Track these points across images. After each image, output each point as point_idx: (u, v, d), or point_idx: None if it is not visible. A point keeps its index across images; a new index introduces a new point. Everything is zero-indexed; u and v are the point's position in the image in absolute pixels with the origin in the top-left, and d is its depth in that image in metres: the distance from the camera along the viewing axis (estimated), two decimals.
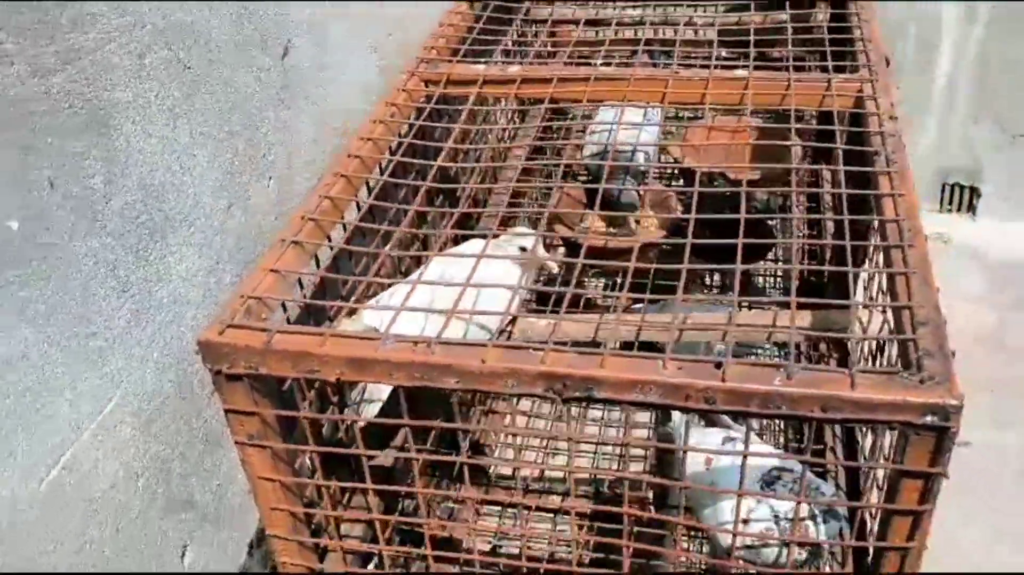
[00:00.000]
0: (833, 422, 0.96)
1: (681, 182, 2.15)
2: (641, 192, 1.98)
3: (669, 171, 2.33)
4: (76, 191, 0.98)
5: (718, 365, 0.96)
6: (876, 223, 1.20)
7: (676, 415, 1.64)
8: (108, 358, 1.06)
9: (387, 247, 1.21)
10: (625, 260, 1.88)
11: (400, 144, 1.48)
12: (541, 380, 0.99)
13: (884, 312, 1.16)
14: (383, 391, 1.34)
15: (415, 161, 1.42)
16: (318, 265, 1.26)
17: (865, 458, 1.35)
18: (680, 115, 2.47)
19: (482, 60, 1.61)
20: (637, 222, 1.94)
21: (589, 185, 2.04)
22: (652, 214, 2.04)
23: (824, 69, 1.50)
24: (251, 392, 1.10)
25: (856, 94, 1.43)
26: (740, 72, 1.50)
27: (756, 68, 1.52)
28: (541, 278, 1.81)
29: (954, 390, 0.91)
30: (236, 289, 1.13)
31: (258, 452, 1.16)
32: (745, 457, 1.02)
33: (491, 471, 2.08)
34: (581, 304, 1.79)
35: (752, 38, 1.63)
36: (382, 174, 1.42)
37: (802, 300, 1.08)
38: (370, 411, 1.37)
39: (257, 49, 1.33)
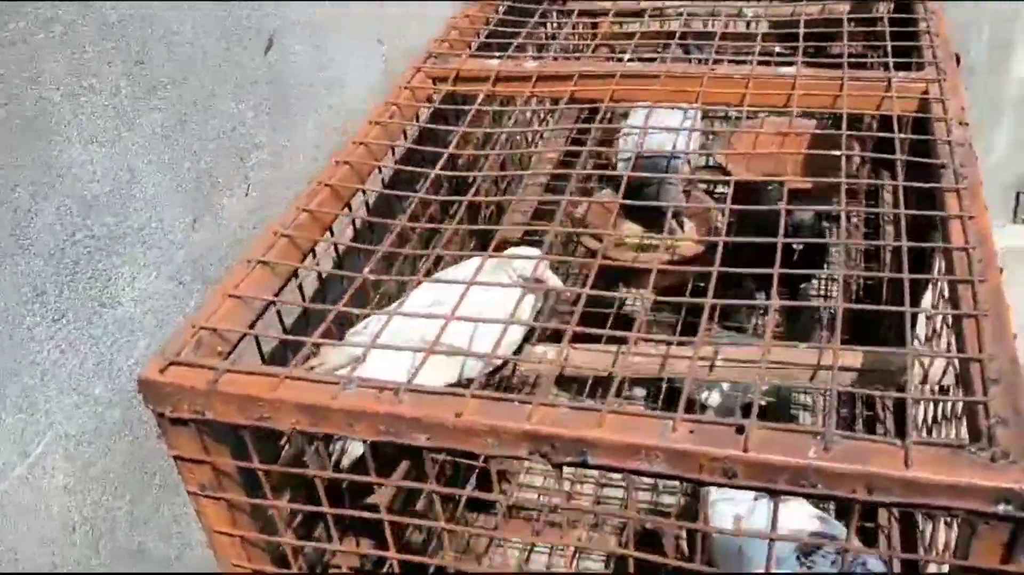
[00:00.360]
0: (881, 506, 0.78)
1: (726, 190, 1.95)
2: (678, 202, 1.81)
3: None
4: None
5: (740, 429, 0.79)
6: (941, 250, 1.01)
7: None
8: (34, 397, 0.91)
9: (366, 270, 1.05)
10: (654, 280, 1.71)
11: (401, 147, 1.34)
12: (526, 441, 0.83)
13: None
14: (357, 448, 1.19)
15: (414, 169, 1.27)
16: (301, 292, 1.11)
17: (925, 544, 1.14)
18: (729, 114, 2.29)
19: (496, 55, 1.45)
20: (672, 232, 1.76)
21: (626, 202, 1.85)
22: (691, 226, 1.86)
23: (885, 67, 1.31)
24: (199, 437, 0.96)
25: (920, 96, 1.24)
26: (786, 70, 1.31)
27: (807, 65, 1.33)
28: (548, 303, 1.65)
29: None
30: (187, 318, 0.98)
31: (212, 503, 1.02)
32: (772, 540, 0.84)
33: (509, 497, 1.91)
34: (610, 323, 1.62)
35: (803, 31, 1.45)
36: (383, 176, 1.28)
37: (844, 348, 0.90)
38: (355, 450, 1.22)
39: (234, 42, 1.18)
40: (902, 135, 1.14)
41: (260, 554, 1.08)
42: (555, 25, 1.74)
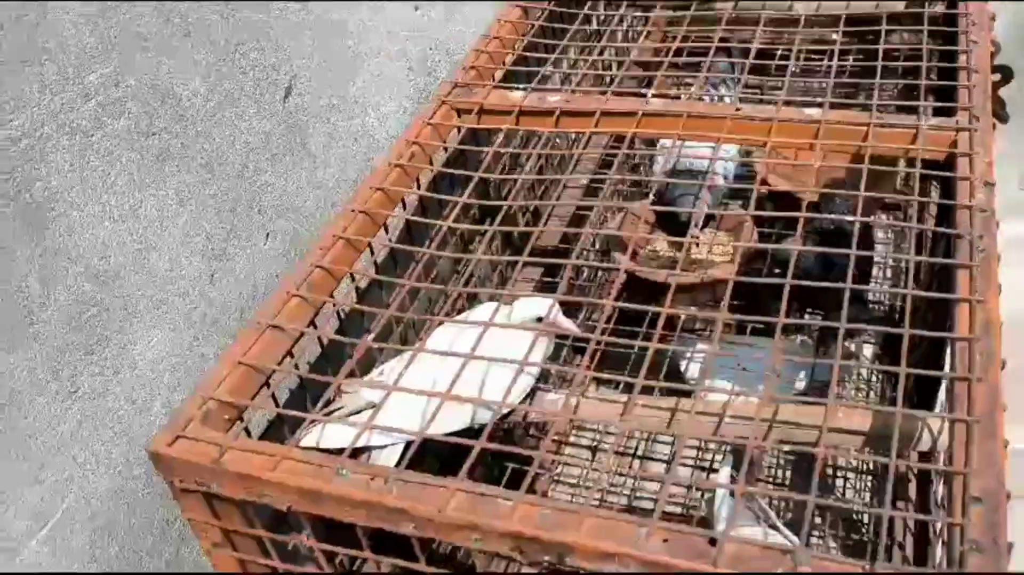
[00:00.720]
0: None
1: (768, 206, 1.91)
2: (711, 211, 1.79)
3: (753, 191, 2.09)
4: (1, 300, 0.88)
5: (712, 542, 0.80)
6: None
7: (719, 491, 1.47)
8: (52, 467, 0.97)
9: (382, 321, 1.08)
10: (686, 296, 1.69)
11: (417, 194, 1.35)
12: (507, 538, 0.85)
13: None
14: (390, 461, 1.22)
15: (441, 196, 1.28)
16: (321, 342, 1.14)
17: None
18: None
19: (520, 87, 1.44)
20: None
21: (659, 207, 1.84)
22: (726, 240, 1.84)
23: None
24: (209, 503, 1.00)
25: (948, 149, 1.20)
26: (811, 112, 1.28)
27: (834, 105, 1.29)
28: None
29: None
30: (196, 387, 1.02)
31: (225, 558, 1.07)
32: None
33: None
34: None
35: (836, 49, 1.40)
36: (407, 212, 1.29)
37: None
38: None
39: (247, 95, 1.20)
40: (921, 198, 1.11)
41: None
42: (587, 51, 1.70)
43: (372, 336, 1.08)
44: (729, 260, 1.79)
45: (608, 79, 1.57)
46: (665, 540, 0.81)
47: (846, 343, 1.87)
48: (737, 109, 1.31)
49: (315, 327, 1.15)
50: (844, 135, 1.24)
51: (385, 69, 1.52)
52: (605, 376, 1.51)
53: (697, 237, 1.79)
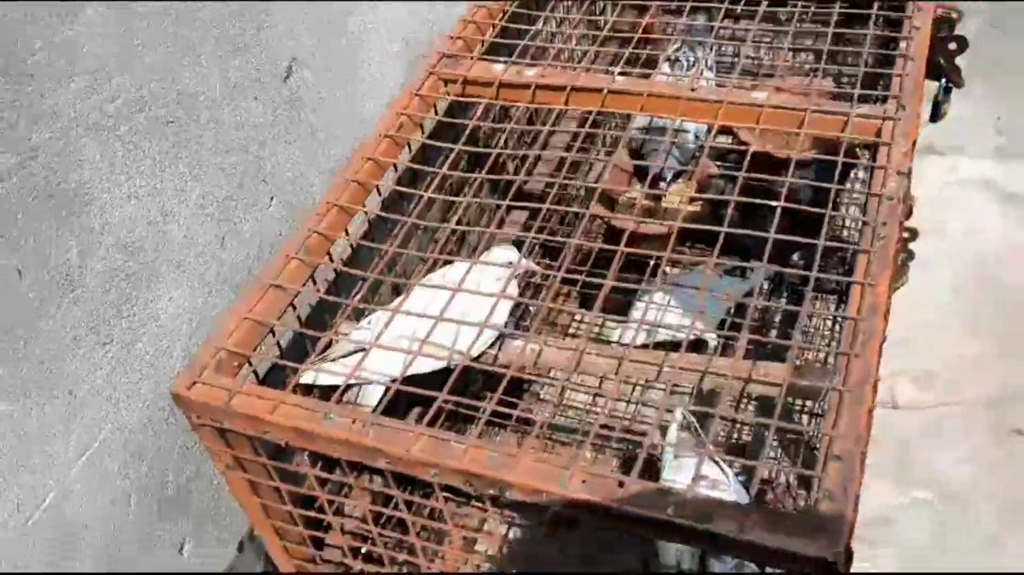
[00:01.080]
0: (725, 553, 0.98)
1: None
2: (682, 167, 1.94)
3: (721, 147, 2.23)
4: (47, 273, 1.07)
5: (621, 484, 1.00)
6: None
7: (673, 427, 1.67)
8: (90, 406, 1.18)
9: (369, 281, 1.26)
10: (656, 244, 1.87)
11: (411, 157, 1.51)
12: (460, 475, 1.05)
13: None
14: (374, 396, 1.42)
15: (416, 192, 1.44)
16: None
17: None
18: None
19: (502, 60, 1.58)
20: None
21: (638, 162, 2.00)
22: (691, 192, 1.99)
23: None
24: (222, 435, 1.21)
25: (873, 138, 1.34)
26: (758, 95, 1.42)
27: (779, 90, 1.44)
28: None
29: (839, 543, 0.92)
30: (210, 338, 1.21)
31: (237, 478, 1.28)
32: None
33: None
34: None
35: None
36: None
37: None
38: (371, 398, 1.45)
39: (251, 80, 1.36)
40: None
41: (280, 511, 1.34)
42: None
43: (358, 297, 1.26)
44: (699, 210, 1.95)
45: (593, 54, 1.70)
46: (584, 481, 1.01)
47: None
48: (693, 90, 1.45)
49: (314, 282, 1.33)
50: (783, 120, 1.39)
51: (384, 54, 1.66)
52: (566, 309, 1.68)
53: (667, 189, 1.95)
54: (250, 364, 1.20)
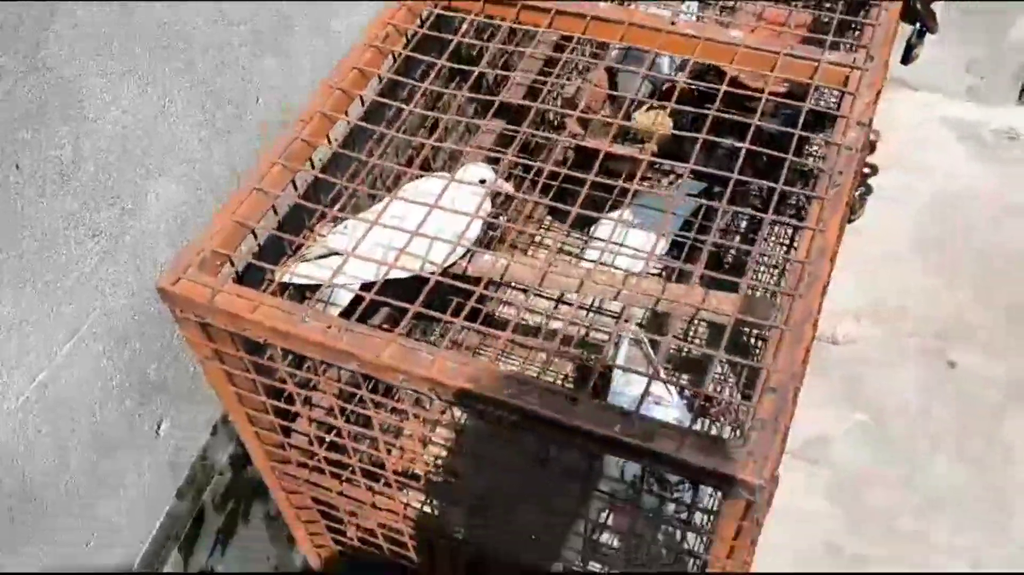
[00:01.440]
0: (663, 470, 1.08)
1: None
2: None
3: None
4: (43, 167, 1.12)
5: (574, 399, 1.09)
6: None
7: (625, 343, 1.76)
8: (79, 292, 1.24)
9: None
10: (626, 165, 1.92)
11: (393, 69, 1.54)
12: (426, 382, 1.14)
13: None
14: (345, 298, 1.49)
15: (397, 105, 1.47)
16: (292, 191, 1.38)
17: None
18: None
19: None
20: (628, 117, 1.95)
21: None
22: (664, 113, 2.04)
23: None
24: (203, 329, 1.28)
25: (840, 87, 1.40)
26: (735, 34, 1.47)
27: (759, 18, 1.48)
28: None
29: (766, 469, 1.02)
30: (194, 238, 1.27)
31: (215, 368, 1.36)
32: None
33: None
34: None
35: None
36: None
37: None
38: (341, 300, 1.52)
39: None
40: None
41: (254, 399, 1.43)
42: None
43: (337, 207, 1.32)
44: (668, 133, 2.01)
45: None
46: (540, 397, 1.10)
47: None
48: (673, 23, 1.50)
49: (295, 187, 1.39)
50: (756, 61, 1.44)
51: None
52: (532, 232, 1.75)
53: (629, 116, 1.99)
54: (232, 264, 1.26)
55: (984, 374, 2.37)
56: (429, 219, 1.29)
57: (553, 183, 1.80)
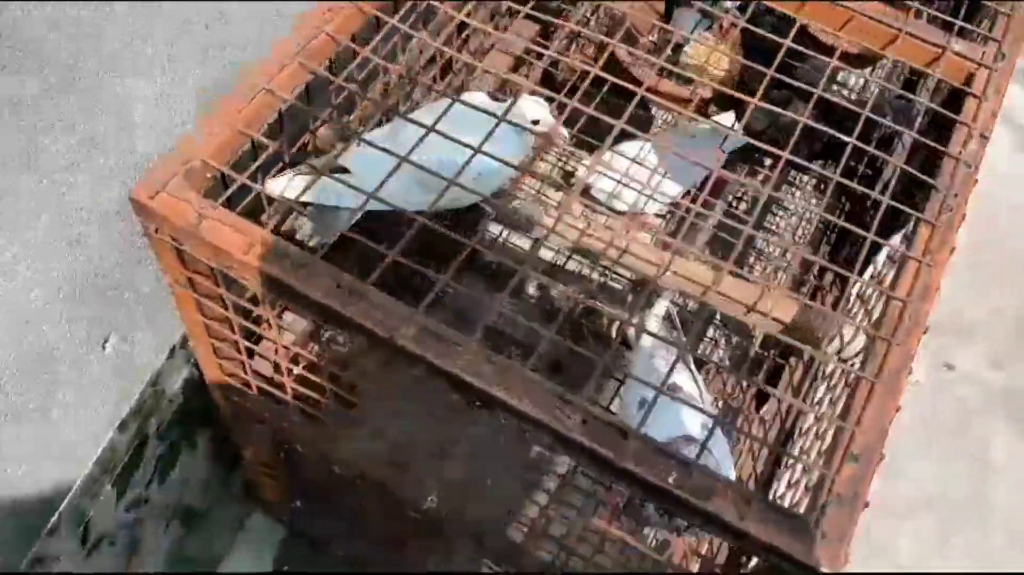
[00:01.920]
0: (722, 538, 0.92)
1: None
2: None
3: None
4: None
5: (624, 434, 0.91)
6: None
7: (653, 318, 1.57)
8: (48, 188, 1.02)
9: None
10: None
11: None
12: (442, 376, 0.94)
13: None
14: (343, 221, 1.28)
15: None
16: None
17: None
18: None
19: None
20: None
21: None
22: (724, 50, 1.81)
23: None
24: (177, 255, 1.06)
25: (961, 84, 1.20)
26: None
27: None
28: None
29: (841, 554, 0.86)
30: (181, 144, 1.03)
31: (186, 295, 1.14)
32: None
33: None
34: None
35: None
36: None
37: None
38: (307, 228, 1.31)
39: None
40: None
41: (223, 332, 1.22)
42: None
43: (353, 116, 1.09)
44: (725, 75, 1.79)
45: None
46: (586, 422, 0.91)
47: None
48: None
49: (307, 93, 1.15)
50: (873, 33, 1.23)
51: None
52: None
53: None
54: (225, 184, 1.03)
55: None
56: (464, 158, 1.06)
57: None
